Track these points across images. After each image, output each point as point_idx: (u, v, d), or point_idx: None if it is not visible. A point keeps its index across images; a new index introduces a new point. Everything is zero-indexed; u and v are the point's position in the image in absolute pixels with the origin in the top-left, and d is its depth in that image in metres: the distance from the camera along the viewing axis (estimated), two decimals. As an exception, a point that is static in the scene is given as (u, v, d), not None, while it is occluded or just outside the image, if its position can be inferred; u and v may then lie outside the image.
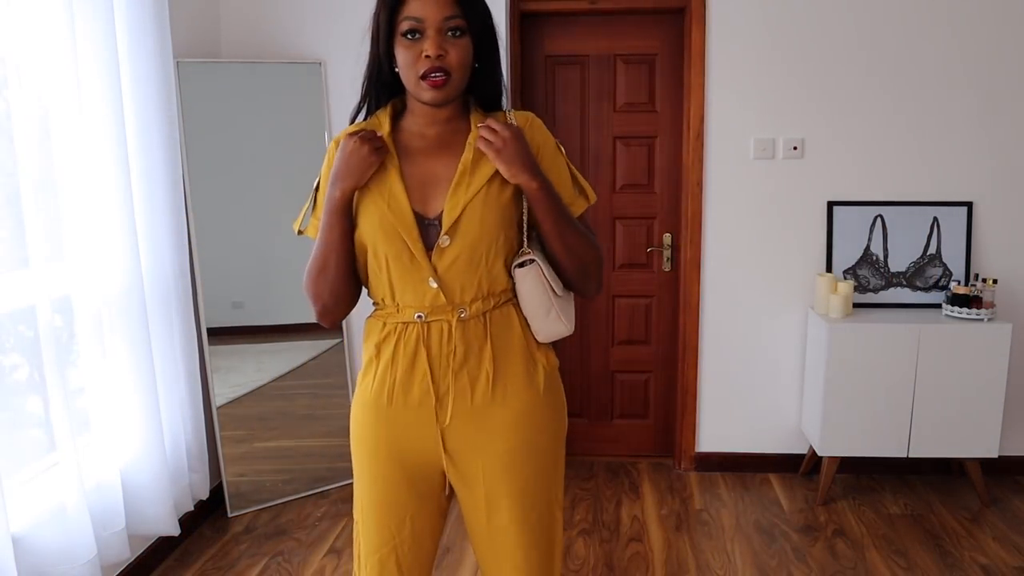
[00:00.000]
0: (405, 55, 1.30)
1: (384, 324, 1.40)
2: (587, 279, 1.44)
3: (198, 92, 2.93)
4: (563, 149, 1.45)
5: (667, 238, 3.48)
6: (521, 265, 1.38)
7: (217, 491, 3.09)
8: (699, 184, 3.29)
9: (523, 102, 3.41)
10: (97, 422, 2.39)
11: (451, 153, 1.38)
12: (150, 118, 2.60)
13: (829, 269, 3.27)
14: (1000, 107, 3.17)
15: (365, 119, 1.43)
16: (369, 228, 1.35)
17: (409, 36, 1.29)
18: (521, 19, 3.32)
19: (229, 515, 3.06)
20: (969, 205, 3.22)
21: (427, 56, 1.28)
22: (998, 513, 3.04)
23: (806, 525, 2.97)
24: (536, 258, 1.38)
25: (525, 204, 1.38)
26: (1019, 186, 3.21)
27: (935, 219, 3.23)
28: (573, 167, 1.45)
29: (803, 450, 3.42)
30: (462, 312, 1.35)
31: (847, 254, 3.27)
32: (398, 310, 1.38)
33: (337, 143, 1.40)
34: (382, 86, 1.39)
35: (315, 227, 1.42)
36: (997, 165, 3.20)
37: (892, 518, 3.02)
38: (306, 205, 1.46)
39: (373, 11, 1.34)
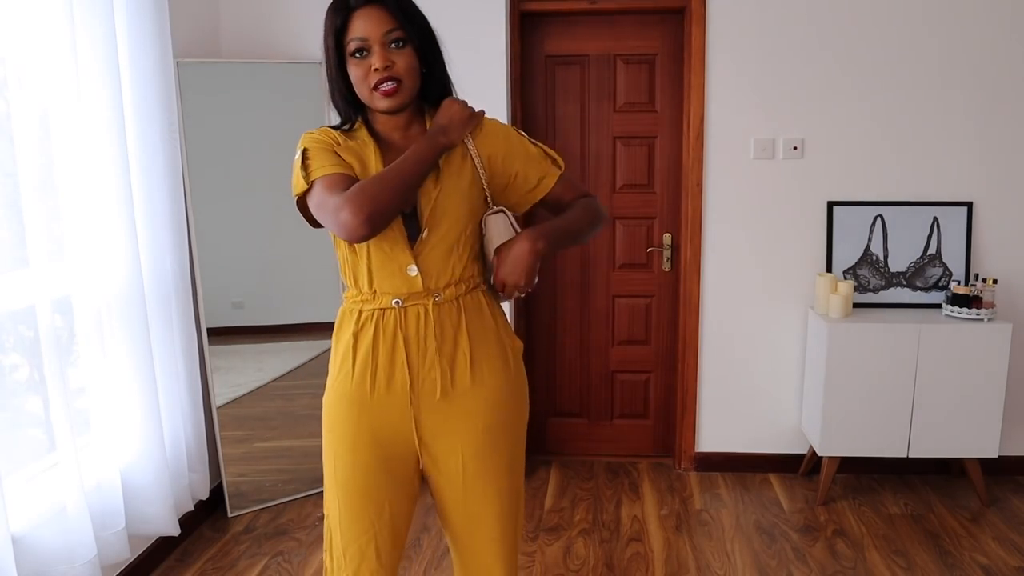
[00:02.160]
0: (356, 72, 1.41)
1: (360, 312, 1.46)
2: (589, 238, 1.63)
3: (198, 92, 2.92)
4: (520, 131, 1.56)
5: (667, 238, 3.48)
6: (492, 214, 1.50)
7: (217, 491, 3.09)
8: (699, 184, 3.29)
9: (523, 102, 3.41)
10: (97, 422, 2.39)
11: None
12: (150, 118, 2.60)
13: (829, 269, 3.27)
14: (1000, 107, 3.17)
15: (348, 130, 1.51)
16: None
17: (358, 55, 1.40)
18: (521, 19, 3.32)
19: (229, 515, 3.06)
20: (969, 205, 3.22)
21: (376, 69, 1.38)
22: (998, 513, 3.04)
23: (806, 525, 2.97)
24: (504, 209, 1.53)
25: (485, 182, 1.50)
26: (1019, 186, 3.21)
27: (935, 219, 3.23)
28: (535, 142, 1.56)
29: (803, 450, 3.42)
30: (437, 297, 1.44)
31: (847, 254, 3.27)
32: (374, 296, 1.44)
33: (306, 138, 1.45)
34: (349, 104, 1.48)
35: (325, 168, 1.40)
36: (997, 165, 3.20)
37: (892, 518, 3.02)
38: (297, 170, 1.43)
39: (322, 39, 1.43)
